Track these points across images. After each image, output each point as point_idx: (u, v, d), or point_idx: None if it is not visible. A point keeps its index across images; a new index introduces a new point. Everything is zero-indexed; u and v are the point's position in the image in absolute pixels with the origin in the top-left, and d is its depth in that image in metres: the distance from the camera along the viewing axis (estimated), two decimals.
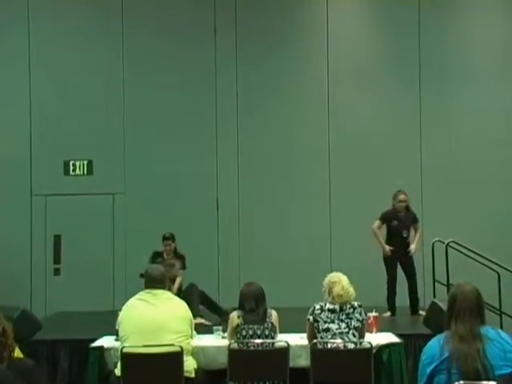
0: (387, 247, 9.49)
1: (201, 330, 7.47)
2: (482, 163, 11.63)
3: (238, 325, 6.55)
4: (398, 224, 9.53)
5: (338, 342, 6.40)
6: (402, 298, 9.60)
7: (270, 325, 6.55)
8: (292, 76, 11.83)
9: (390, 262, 9.58)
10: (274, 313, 6.66)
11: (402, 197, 9.57)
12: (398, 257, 9.56)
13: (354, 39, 12.03)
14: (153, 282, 6.42)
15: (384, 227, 9.65)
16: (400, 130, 11.73)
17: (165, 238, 9.60)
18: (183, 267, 9.45)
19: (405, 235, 9.57)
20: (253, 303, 6.58)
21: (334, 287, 6.53)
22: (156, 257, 9.50)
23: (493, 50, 11.91)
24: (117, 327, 6.51)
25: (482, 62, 11.88)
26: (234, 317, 6.61)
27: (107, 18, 11.83)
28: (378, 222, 9.57)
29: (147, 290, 6.40)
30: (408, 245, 9.58)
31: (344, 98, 11.76)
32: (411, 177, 11.59)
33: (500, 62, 11.88)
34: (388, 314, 9.32)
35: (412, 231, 9.70)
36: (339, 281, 6.56)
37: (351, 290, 6.56)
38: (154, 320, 6.20)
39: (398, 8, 11.84)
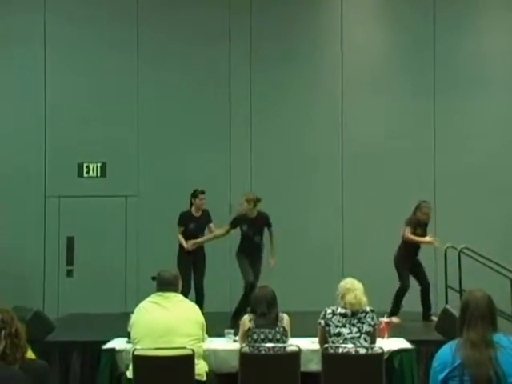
0: (427, 238, 9.57)
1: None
2: (496, 170, 11.61)
3: (249, 328, 6.56)
4: (420, 234, 9.61)
5: (350, 346, 6.40)
6: (415, 304, 9.57)
7: (281, 329, 6.55)
8: (306, 81, 11.83)
9: (405, 270, 9.58)
10: (285, 317, 6.67)
11: (427, 210, 9.61)
12: (410, 265, 9.60)
13: (369, 46, 12.02)
14: (165, 284, 6.43)
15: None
16: (414, 137, 11.72)
17: (201, 192, 9.70)
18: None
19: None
20: (265, 307, 6.59)
21: (347, 295, 6.51)
22: (186, 217, 9.65)
23: (507, 56, 11.89)
24: (129, 329, 6.54)
25: (496, 70, 11.86)
26: (246, 320, 6.62)
27: (122, 21, 11.87)
28: (408, 229, 9.58)
29: (159, 293, 6.42)
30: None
31: (358, 103, 11.76)
32: (424, 183, 11.58)
33: None
34: (398, 319, 9.29)
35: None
36: (353, 289, 6.53)
37: (364, 299, 6.53)
38: (166, 323, 6.21)
39: (412, 15, 11.86)
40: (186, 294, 9.05)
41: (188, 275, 9.28)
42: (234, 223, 9.45)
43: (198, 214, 9.73)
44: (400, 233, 9.59)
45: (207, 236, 9.76)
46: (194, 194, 9.74)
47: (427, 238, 9.57)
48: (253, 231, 9.34)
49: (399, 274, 9.57)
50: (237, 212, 9.51)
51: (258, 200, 9.28)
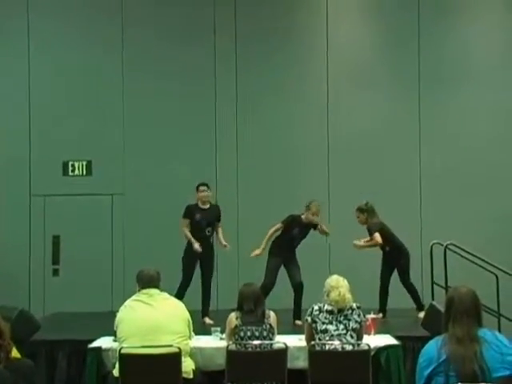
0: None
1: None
2: (481, 165, 11.64)
3: (236, 326, 6.56)
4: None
5: (336, 343, 6.41)
6: (400, 300, 9.59)
7: (268, 326, 6.56)
8: (291, 77, 11.83)
9: (382, 266, 9.66)
10: (272, 314, 6.67)
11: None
12: (391, 262, 9.61)
13: (354, 41, 12.03)
14: (148, 281, 6.45)
15: None
16: (399, 132, 11.74)
17: (201, 185, 9.48)
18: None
19: (387, 249, 9.61)
20: (251, 304, 6.59)
21: (332, 292, 6.53)
22: (192, 209, 9.40)
23: (491, 51, 11.93)
24: (115, 328, 6.52)
25: (481, 64, 11.90)
26: (233, 318, 6.62)
27: (107, 18, 11.81)
28: None
29: (144, 291, 6.42)
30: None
31: (343, 99, 11.77)
32: (410, 178, 11.61)
33: (498, 63, 11.89)
34: (380, 315, 9.32)
35: None
36: (337, 286, 6.55)
37: (348, 296, 6.55)
38: (152, 321, 6.21)
39: (397, 10, 11.87)
40: (184, 287, 9.11)
41: (190, 269, 9.26)
42: (288, 222, 9.31)
43: (205, 207, 9.48)
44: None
45: (265, 239, 9.41)
46: (196, 188, 9.53)
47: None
48: (300, 237, 9.36)
49: None
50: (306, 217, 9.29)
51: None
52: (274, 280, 9.16)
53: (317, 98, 11.81)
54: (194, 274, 9.37)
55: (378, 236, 9.34)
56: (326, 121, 11.78)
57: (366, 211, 9.56)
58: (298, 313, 9.05)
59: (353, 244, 9.50)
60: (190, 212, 9.43)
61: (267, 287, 8.96)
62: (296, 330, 7.82)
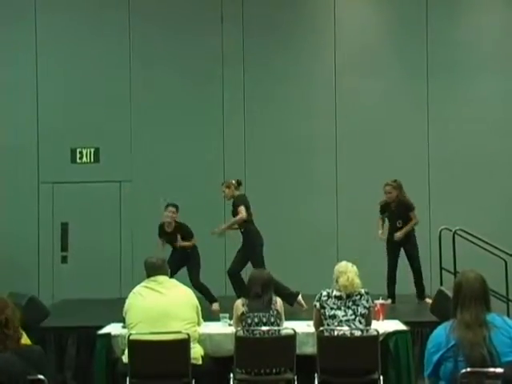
0: (379, 232, 9.64)
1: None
2: (490, 151, 11.61)
3: (243, 313, 6.57)
4: (390, 214, 9.63)
5: (345, 329, 6.41)
6: (408, 286, 9.59)
7: (275, 312, 6.56)
8: (299, 65, 11.79)
9: (389, 250, 9.64)
10: (278, 300, 6.68)
11: (385, 189, 9.60)
12: (398, 245, 9.58)
13: (362, 28, 11.99)
14: (155, 269, 6.46)
15: None
16: (407, 118, 11.71)
17: (166, 206, 9.48)
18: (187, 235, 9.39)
19: (398, 225, 9.56)
20: (259, 288, 6.59)
21: (340, 277, 6.53)
22: (160, 229, 9.48)
23: (501, 38, 11.87)
24: (123, 315, 6.54)
25: (490, 50, 11.84)
26: (239, 305, 6.64)
27: (114, 7, 11.81)
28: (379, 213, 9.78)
29: (152, 278, 6.44)
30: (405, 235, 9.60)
31: (351, 87, 11.73)
32: (418, 165, 11.59)
33: (507, 48, 11.83)
34: (389, 301, 9.31)
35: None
36: (346, 271, 6.55)
37: (357, 281, 6.55)
38: (161, 307, 6.22)
39: None
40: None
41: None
42: None
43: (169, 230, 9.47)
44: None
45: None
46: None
47: (379, 232, 9.68)
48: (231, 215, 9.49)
49: (387, 254, 9.76)
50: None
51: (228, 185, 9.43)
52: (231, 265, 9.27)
53: (324, 85, 11.77)
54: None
55: (416, 215, 9.52)
56: (333, 107, 11.74)
57: (398, 187, 9.58)
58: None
59: (396, 236, 9.41)
60: None
61: (228, 274, 9.25)
62: (298, 316, 7.82)
